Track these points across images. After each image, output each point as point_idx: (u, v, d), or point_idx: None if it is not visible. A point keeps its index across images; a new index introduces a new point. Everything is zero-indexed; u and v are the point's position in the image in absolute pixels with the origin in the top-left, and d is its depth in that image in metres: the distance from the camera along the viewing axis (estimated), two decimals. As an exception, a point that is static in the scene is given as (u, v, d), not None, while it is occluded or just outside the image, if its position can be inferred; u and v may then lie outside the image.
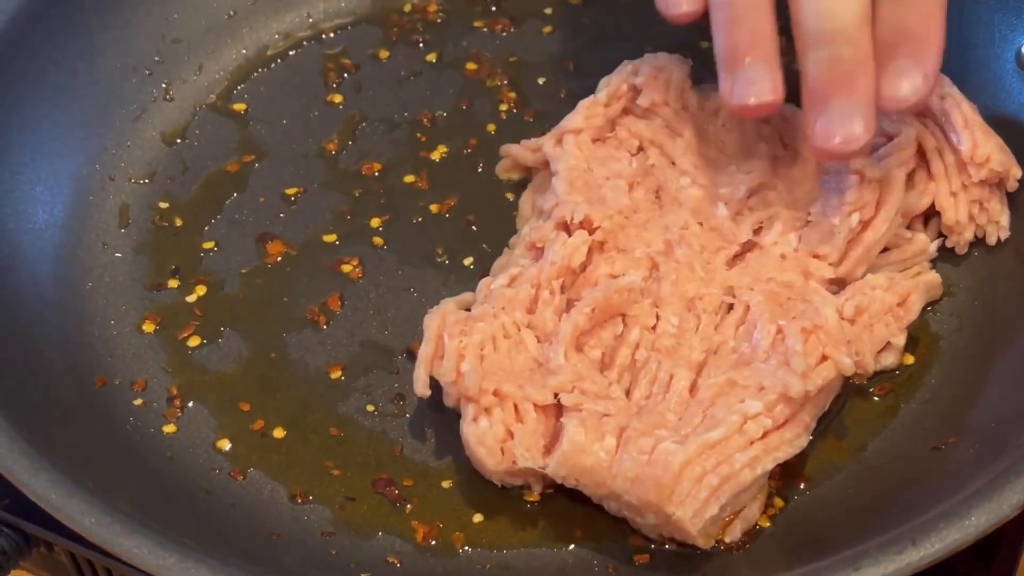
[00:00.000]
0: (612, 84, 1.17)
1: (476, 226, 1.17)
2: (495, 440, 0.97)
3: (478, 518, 0.99)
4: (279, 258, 1.16)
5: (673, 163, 1.13)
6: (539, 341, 1.02)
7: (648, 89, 1.15)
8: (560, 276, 1.05)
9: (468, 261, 1.15)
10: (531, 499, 1.00)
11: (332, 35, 1.33)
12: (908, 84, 1.00)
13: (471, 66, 1.30)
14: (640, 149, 1.15)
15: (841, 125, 0.99)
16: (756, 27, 1.02)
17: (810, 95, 1.01)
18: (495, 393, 0.98)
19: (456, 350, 0.99)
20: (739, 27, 1.03)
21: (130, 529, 0.87)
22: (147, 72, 1.26)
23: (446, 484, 1.01)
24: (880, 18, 1.00)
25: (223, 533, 0.96)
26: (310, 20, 1.34)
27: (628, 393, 1.00)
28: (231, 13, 1.31)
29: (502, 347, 1.01)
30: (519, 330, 1.02)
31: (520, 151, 1.19)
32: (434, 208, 1.19)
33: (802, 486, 0.99)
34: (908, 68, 1.00)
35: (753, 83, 1.02)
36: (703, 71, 1.16)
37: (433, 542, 0.98)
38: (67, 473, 0.91)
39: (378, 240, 1.17)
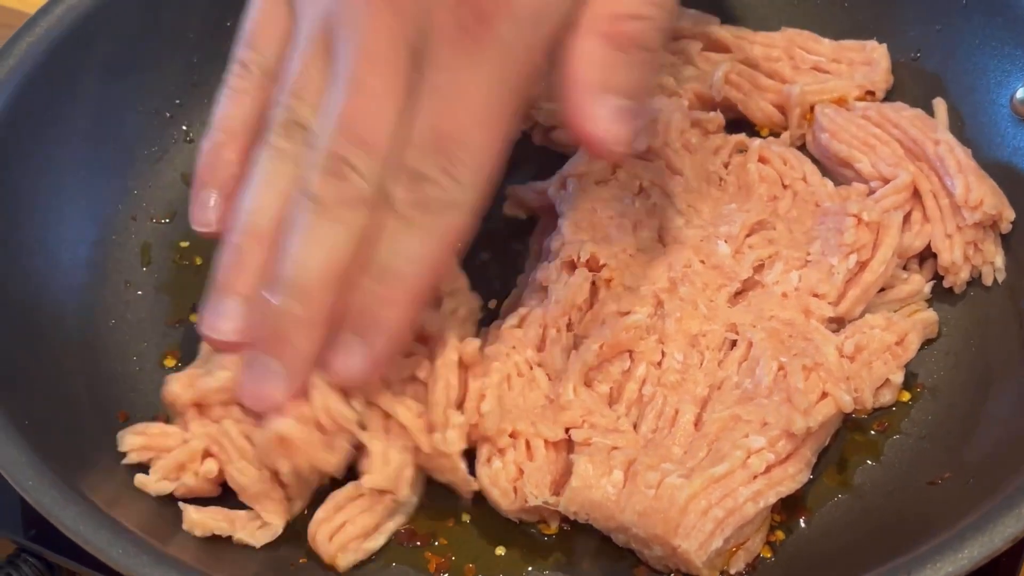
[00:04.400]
0: (613, 129, 1.21)
1: (488, 266, 1.19)
2: (508, 480, 1.00)
3: (491, 551, 1.02)
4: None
5: (674, 202, 1.16)
6: (550, 379, 1.05)
7: (647, 133, 1.18)
8: (565, 314, 1.08)
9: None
10: (548, 532, 1.02)
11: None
12: (345, 360, 0.93)
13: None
14: (641, 189, 1.18)
15: (257, 383, 0.94)
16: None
17: (252, 342, 0.94)
18: (511, 434, 1.01)
19: (477, 391, 1.02)
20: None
21: (156, 560, 0.90)
22: (168, 115, 1.29)
23: (463, 517, 1.04)
24: (351, 287, 0.92)
25: (246, 565, 0.99)
26: (325, 63, 1.37)
27: (636, 427, 1.03)
28: (249, 57, 1.34)
29: (516, 385, 1.04)
30: (531, 368, 1.05)
31: (525, 193, 1.22)
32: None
33: (803, 518, 1.02)
34: (353, 346, 0.93)
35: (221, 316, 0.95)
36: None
37: (445, 574, 1.01)
38: (94, 505, 0.94)
39: (392, 279, 1.19)
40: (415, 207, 0.91)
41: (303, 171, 0.92)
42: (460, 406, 1.01)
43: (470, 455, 1.03)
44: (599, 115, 0.93)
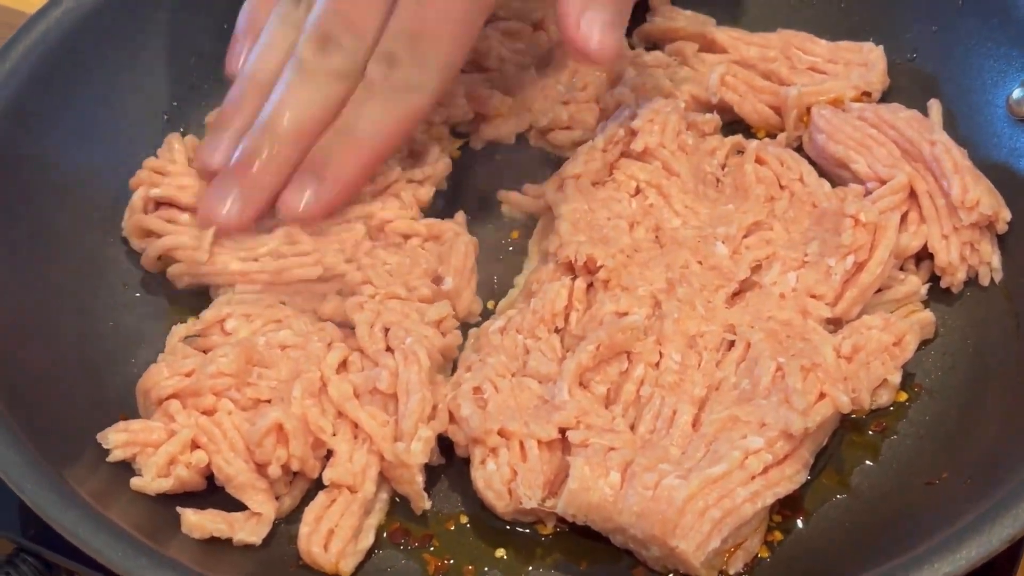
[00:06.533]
0: (609, 129, 1.21)
1: (487, 267, 1.19)
2: (502, 482, 1.00)
3: (491, 552, 1.02)
4: (295, 298, 1.19)
5: (671, 203, 1.17)
6: (540, 383, 1.05)
7: (644, 133, 1.19)
8: (542, 324, 1.08)
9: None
10: (545, 533, 1.03)
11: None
12: (296, 196, 1.11)
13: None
14: (638, 190, 1.18)
15: (215, 200, 1.12)
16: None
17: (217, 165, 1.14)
18: (500, 432, 1.01)
19: (445, 405, 1.04)
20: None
21: (156, 562, 0.90)
22: (166, 117, 1.29)
23: (461, 519, 1.04)
24: (321, 137, 1.11)
25: (244, 566, 0.99)
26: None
27: (633, 427, 1.03)
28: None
29: (504, 387, 1.04)
30: (511, 376, 1.06)
31: (520, 198, 1.23)
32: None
33: (801, 519, 1.02)
34: (306, 183, 1.11)
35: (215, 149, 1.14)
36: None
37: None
38: (93, 508, 0.94)
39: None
40: (385, 83, 1.09)
41: (300, 38, 1.10)
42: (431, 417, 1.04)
43: (457, 465, 1.05)
44: (589, 28, 1.05)
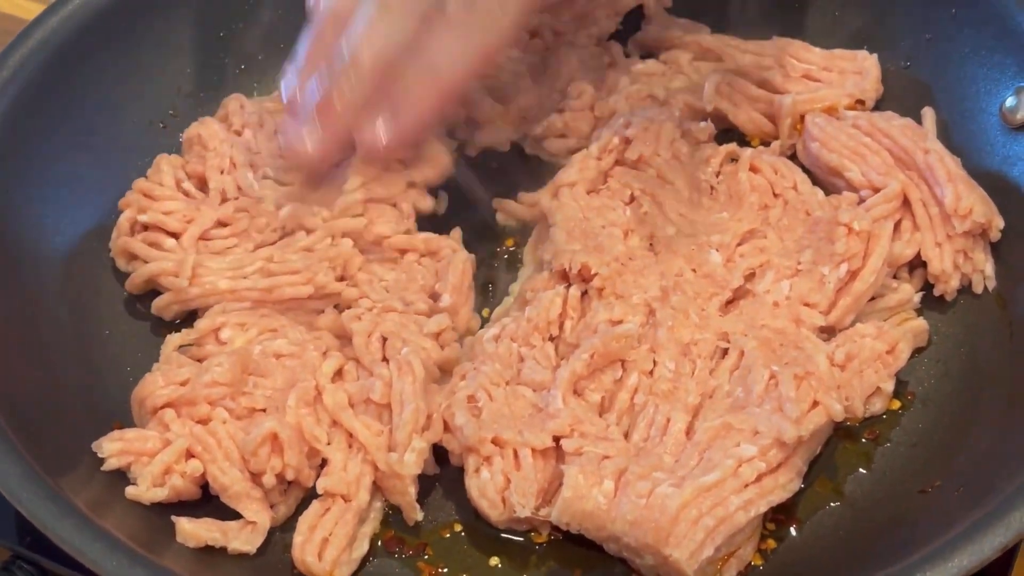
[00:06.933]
0: (603, 138, 1.21)
1: (483, 275, 1.20)
2: (496, 491, 1.01)
3: (485, 561, 1.02)
4: (289, 306, 1.19)
5: (665, 211, 1.17)
6: (534, 391, 1.06)
7: (638, 141, 1.20)
8: (536, 332, 1.09)
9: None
10: (539, 541, 1.03)
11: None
12: (371, 132, 1.13)
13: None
14: (633, 198, 1.19)
15: (299, 138, 1.15)
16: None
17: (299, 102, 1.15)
18: (494, 441, 1.01)
19: (445, 407, 1.04)
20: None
21: (151, 572, 0.91)
22: (162, 126, 1.29)
23: (455, 528, 1.04)
24: (397, 74, 1.12)
25: (239, 575, 1.00)
26: (318, 74, 1.37)
27: (627, 435, 1.04)
28: (242, 68, 1.34)
29: (498, 395, 1.05)
30: (505, 384, 1.06)
31: (515, 206, 1.23)
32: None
33: (794, 527, 1.02)
34: (384, 118, 1.13)
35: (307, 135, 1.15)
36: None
37: (438, 584, 1.02)
38: (89, 517, 0.94)
39: (385, 288, 1.20)
40: (464, 21, 1.11)
41: None
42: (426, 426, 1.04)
43: (451, 474, 1.05)
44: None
